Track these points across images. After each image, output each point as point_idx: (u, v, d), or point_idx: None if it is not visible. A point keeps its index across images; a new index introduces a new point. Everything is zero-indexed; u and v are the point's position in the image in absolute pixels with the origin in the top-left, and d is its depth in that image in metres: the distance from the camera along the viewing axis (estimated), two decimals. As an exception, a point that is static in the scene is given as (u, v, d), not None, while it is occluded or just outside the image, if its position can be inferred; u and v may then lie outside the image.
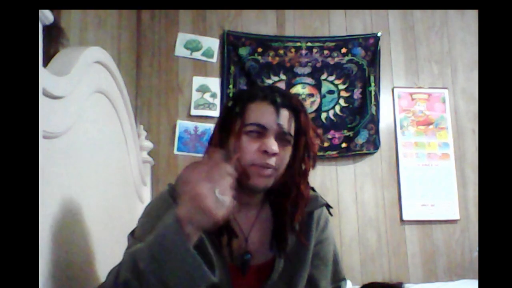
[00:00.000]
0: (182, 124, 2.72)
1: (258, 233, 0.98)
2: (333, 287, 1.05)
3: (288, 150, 0.93)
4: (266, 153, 0.89)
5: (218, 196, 0.71)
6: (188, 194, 0.72)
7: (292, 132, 0.93)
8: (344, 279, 1.08)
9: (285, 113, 0.92)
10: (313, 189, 1.03)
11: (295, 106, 0.94)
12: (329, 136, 2.77)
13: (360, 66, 2.87)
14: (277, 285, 0.96)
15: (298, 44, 2.87)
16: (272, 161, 0.90)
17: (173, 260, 0.72)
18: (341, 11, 2.95)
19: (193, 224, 0.72)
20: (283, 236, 0.96)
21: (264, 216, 0.99)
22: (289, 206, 0.95)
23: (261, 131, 0.90)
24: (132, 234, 0.93)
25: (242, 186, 0.89)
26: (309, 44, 2.87)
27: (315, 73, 2.85)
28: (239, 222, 0.96)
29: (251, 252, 0.95)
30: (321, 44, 2.88)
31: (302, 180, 0.96)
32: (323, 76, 2.85)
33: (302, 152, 0.95)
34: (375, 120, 2.81)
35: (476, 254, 2.58)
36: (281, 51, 2.85)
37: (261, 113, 0.91)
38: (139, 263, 0.73)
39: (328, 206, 1.04)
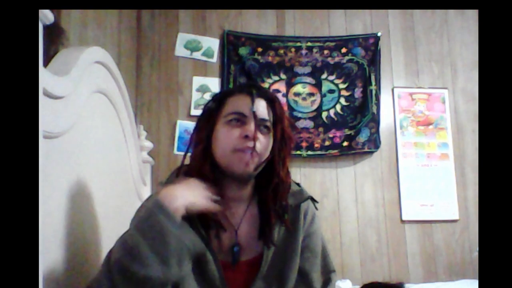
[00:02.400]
0: (182, 124, 2.72)
1: (247, 226, 1.01)
2: (324, 278, 1.07)
3: (269, 138, 0.98)
4: (247, 137, 0.93)
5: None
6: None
7: (271, 119, 0.98)
8: (333, 271, 1.09)
9: (262, 103, 0.98)
10: (298, 184, 1.07)
11: (270, 96, 1.01)
12: (330, 135, 2.77)
13: (361, 65, 2.87)
14: (268, 278, 0.98)
15: (298, 44, 2.87)
16: (255, 145, 0.94)
17: (158, 230, 0.80)
18: (341, 11, 2.95)
19: (177, 201, 0.83)
20: (269, 225, 0.99)
21: (253, 210, 1.03)
22: (271, 193, 0.99)
23: (241, 119, 0.96)
24: None
25: (228, 176, 0.96)
26: (309, 44, 2.87)
27: (315, 73, 2.85)
28: (229, 216, 1.00)
29: (241, 245, 0.98)
30: (321, 44, 2.88)
31: (282, 168, 1.00)
32: (323, 76, 2.85)
33: (280, 140, 0.99)
34: (376, 119, 2.81)
35: (476, 254, 2.58)
36: (281, 51, 2.85)
37: (239, 103, 0.97)
38: (128, 240, 0.81)
39: (313, 200, 1.07)
